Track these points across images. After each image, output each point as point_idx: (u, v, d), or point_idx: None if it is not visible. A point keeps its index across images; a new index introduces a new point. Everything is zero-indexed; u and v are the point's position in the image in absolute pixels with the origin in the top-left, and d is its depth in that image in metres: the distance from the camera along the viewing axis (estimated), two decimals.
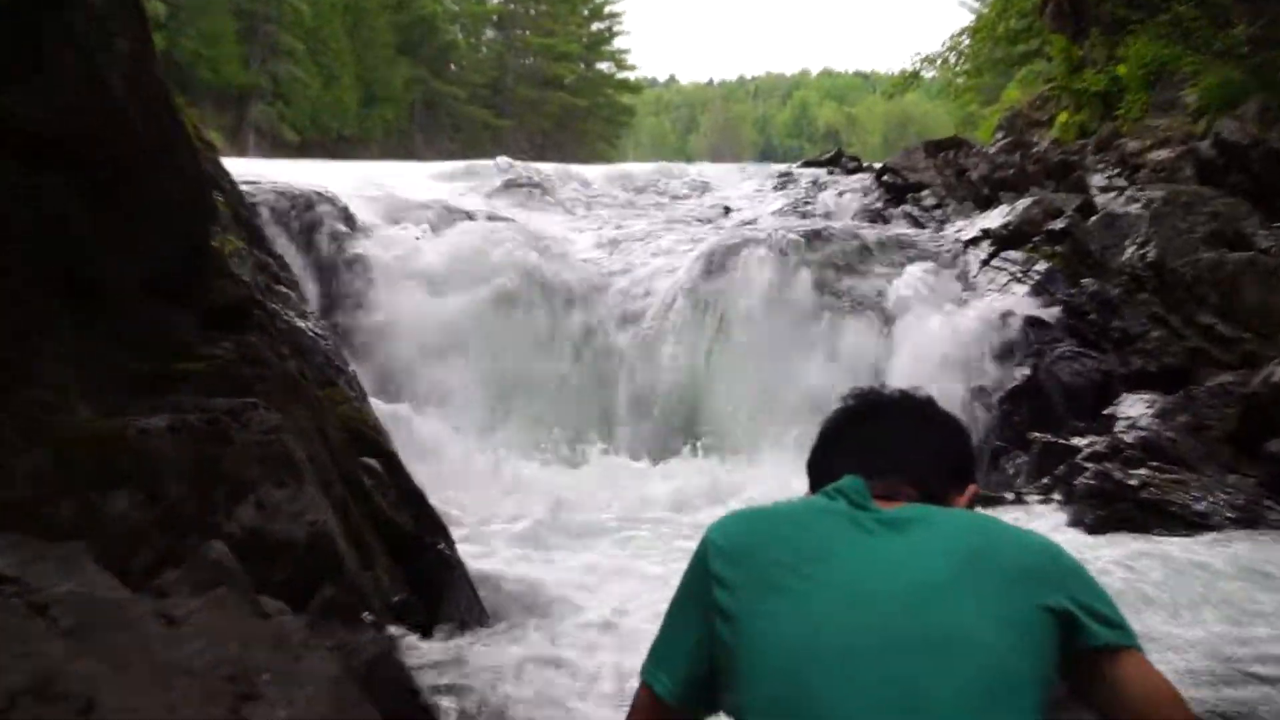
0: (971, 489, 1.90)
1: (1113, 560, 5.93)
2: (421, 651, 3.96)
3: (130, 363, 4.09)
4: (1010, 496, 7.72)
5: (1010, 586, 1.65)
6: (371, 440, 5.34)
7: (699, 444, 9.41)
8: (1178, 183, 11.56)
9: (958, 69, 22.51)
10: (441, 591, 4.70)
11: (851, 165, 16.74)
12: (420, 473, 5.72)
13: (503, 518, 7.08)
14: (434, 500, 5.34)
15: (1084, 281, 9.94)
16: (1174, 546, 6.30)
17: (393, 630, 3.87)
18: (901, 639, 1.59)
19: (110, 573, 2.81)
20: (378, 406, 7.15)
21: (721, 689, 1.74)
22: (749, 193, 15.51)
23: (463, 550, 5.18)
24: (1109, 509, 7.03)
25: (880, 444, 1.89)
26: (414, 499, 5.12)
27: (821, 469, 1.93)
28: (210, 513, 3.49)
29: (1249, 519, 6.83)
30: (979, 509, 1.88)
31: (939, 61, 22.35)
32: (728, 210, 14.25)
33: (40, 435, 3.42)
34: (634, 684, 1.88)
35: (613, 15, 65.53)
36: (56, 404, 3.65)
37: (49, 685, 2.20)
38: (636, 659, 1.90)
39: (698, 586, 1.79)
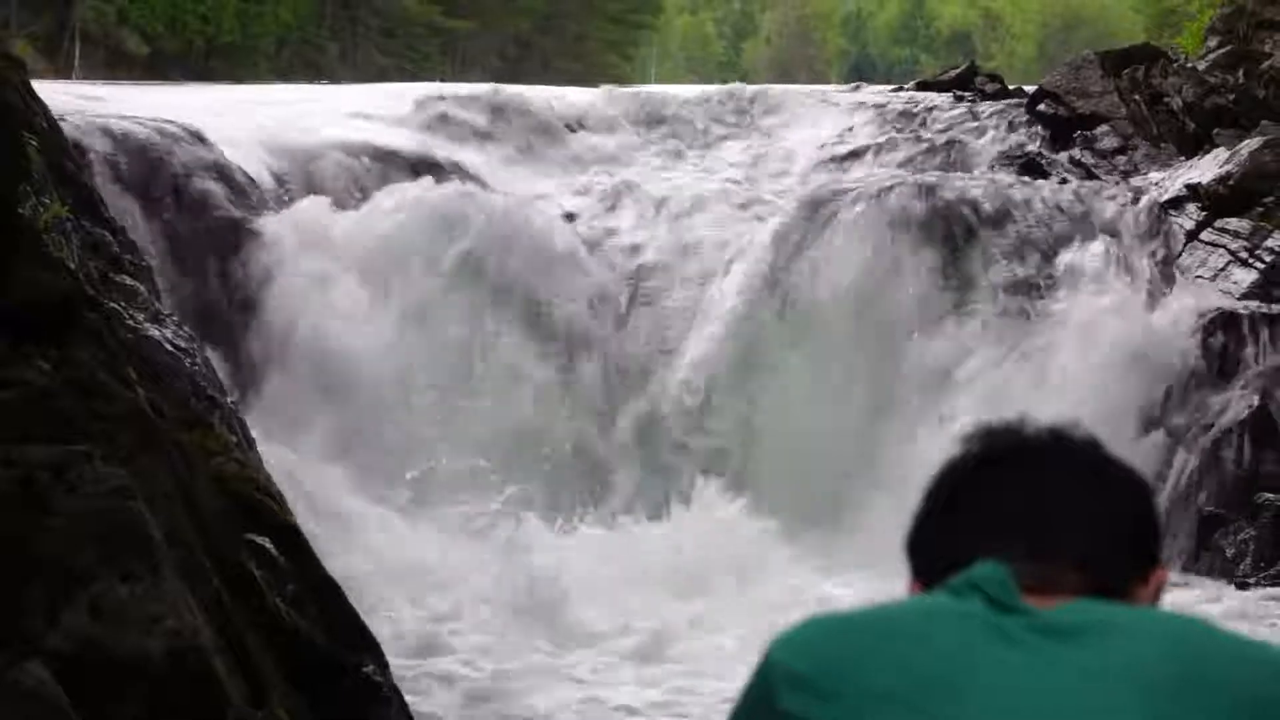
0: (1158, 575, 1.90)
1: None
2: None
3: None
4: (1228, 588, 7.71)
5: None
6: (262, 508, 5.36)
7: (754, 523, 9.45)
8: None
9: None
10: None
11: (992, 88, 16.78)
12: (335, 555, 5.73)
13: (455, 619, 7.10)
14: (356, 596, 5.34)
15: None
16: None
17: None
18: None
19: None
20: (270, 457, 7.17)
21: None
22: (828, 135, 15.47)
23: (400, 671, 5.19)
24: None
25: (1027, 510, 1.89)
26: (326, 595, 5.13)
27: (935, 549, 1.92)
28: (21, 619, 3.50)
29: None
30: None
31: None
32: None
33: None
34: None
35: None
36: None
37: None
38: None
39: None
